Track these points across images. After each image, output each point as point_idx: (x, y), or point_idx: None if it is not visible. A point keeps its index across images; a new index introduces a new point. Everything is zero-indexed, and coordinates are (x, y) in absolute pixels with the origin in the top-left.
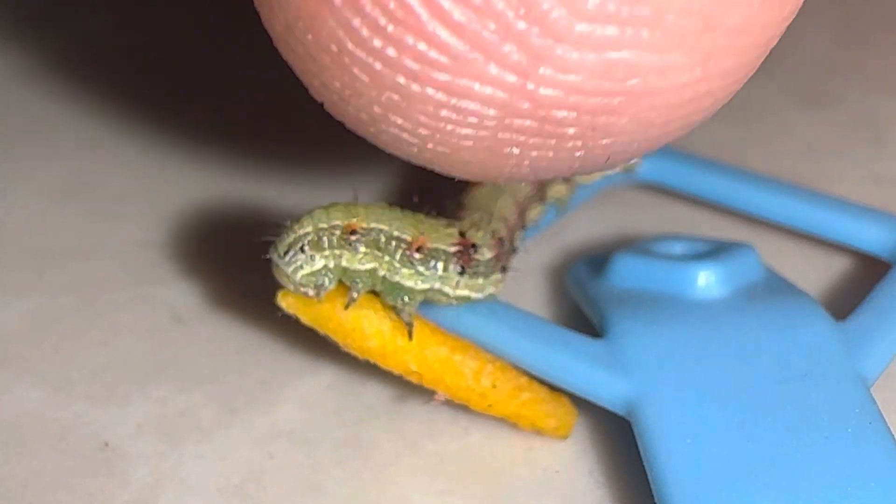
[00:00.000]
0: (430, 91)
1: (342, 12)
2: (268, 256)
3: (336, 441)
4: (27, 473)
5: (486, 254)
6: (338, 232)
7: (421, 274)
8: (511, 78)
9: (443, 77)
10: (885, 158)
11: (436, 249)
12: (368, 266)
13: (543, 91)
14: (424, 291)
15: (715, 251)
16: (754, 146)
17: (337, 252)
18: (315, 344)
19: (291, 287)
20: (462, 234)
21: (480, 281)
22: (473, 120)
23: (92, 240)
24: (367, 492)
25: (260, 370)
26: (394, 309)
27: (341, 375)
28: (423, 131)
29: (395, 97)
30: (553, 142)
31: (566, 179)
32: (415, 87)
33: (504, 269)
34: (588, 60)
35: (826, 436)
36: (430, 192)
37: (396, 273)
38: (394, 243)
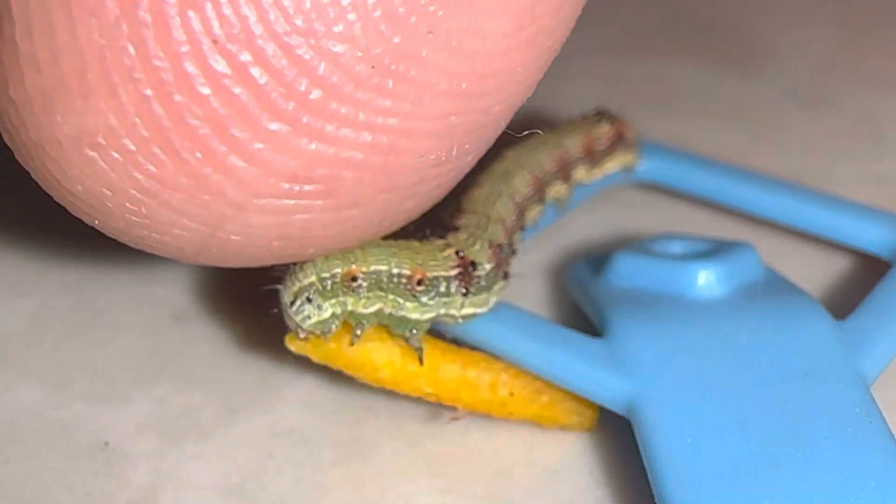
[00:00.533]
0: (135, 230)
1: (59, 167)
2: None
3: (336, 440)
4: (26, 473)
5: (486, 266)
6: (339, 279)
7: (425, 304)
8: (203, 228)
9: (144, 221)
10: (885, 158)
11: (436, 277)
12: (373, 308)
13: (233, 237)
14: (431, 320)
15: (715, 250)
16: (754, 145)
17: (342, 299)
18: None
19: (300, 333)
20: (458, 254)
21: (484, 296)
22: (173, 250)
23: (91, 239)
24: (367, 491)
25: (260, 369)
26: (402, 337)
27: (341, 375)
28: (134, 244)
29: (107, 226)
30: (248, 259)
31: (565, 179)
32: (120, 224)
33: (506, 276)
34: (270, 221)
35: (826, 435)
36: None
37: (402, 308)
38: (395, 280)
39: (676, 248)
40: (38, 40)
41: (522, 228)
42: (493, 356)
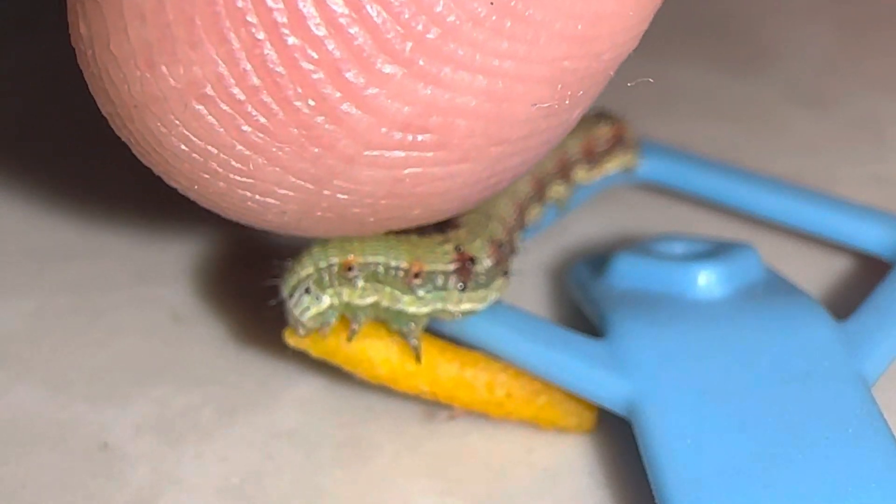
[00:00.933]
0: (236, 189)
1: (154, 122)
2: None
3: (336, 441)
4: (26, 474)
5: (485, 263)
6: (336, 269)
7: (422, 298)
8: (308, 185)
9: (246, 180)
10: (885, 158)
11: (434, 271)
12: (370, 300)
13: (339, 196)
14: (428, 314)
15: (715, 251)
16: (754, 146)
17: (339, 289)
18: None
19: (300, 329)
20: (458, 249)
21: (482, 292)
22: (276, 210)
23: (91, 239)
24: (366, 492)
25: (259, 370)
26: (399, 333)
27: (340, 376)
28: (231, 213)
29: (206, 189)
30: (352, 225)
31: (565, 180)
32: (221, 184)
33: (506, 273)
34: (378, 176)
35: (826, 436)
36: None
37: (398, 301)
38: (392, 273)
39: (677, 248)
40: None
41: (523, 228)
42: (493, 356)
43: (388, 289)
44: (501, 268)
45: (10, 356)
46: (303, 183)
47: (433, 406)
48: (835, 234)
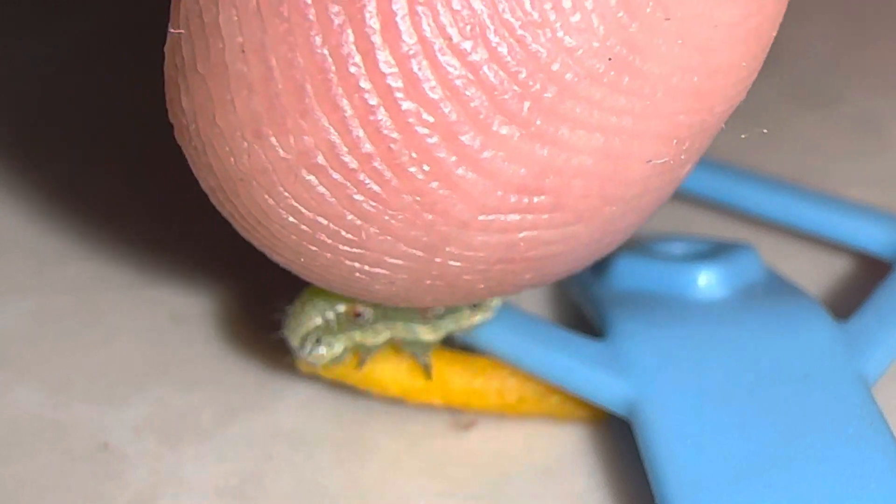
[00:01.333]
0: (343, 260)
1: (260, 194)
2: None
3: (336, 442)
4: (25, 474)
5: None
6: (343, 315)
7: (437, 325)
8: (419, 254)
9: (355, 251)
10: (887, 158)
11: None
12: (383, 338)
13: (451, 263)
14: (443, 337)
15: (715, 251)
16: (754, 145)
17: (350, 333)
18: None
19: (317, 368)
20: None
21: (492, 301)
22: (385, 281)
23: (91, 240)
24: (367, 493)
25: (259, 371)
26: (410, 353)
27: (345, 384)
28: (337, 284)
29: (311, 262)
30: (461, 293)
31: None
32: (328, 256)
33: None
34: (492, 241)
35: (827, 437)
36: None
37: (413, 332)
38: (402, 307)
39: (677, 249)
40: (252, 57)
41: None
42: (500, 361)
43: (400, 323)
44: None
45: (9, 356)
46: (414, 251)
47: (454, 415)
48: (835, 234)
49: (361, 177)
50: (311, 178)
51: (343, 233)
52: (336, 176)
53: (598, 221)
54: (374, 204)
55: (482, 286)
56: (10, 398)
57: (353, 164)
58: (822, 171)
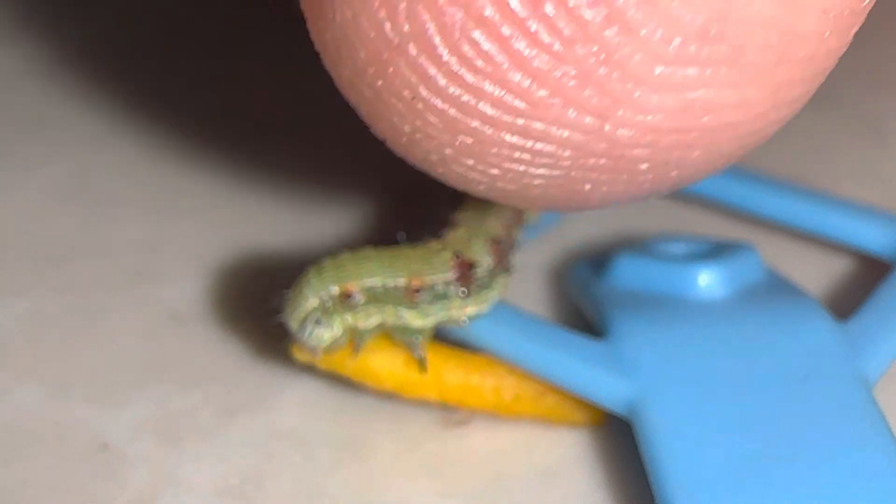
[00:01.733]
0: (505, 136)
1: (418, 61)
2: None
3: (336, 442)
4: (25, 475)
5: (486, 264)
6: (336, 297)
7: (426, 312)
8: (589, 120)
9: (520, 122)
10: (887, 158)
11: (434, 283)
12: (374, 321)
13: (621, 132)
14: (434, 325)
15: (716, 251)
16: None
17: (343, 315)
18: None
19: (315, 354)
20: (456, 256)
21: (486, 293)
22: (547, 161)
23: (91, 240)
24: (366, 493)
25: (259, 371)
26: (404, 344)
27: (341, 376)
28: (495, 171)
29: (469, 141)
30: (625, 177)
31: None
32: (489, 132)
33: (507, 270)
34: (667, 101)
35: (827, 437)
36: (427, 186)
37: (402, 318)
38: (392, 291)
39: (677, 248)
40: None
41: (522, 223)
42: (497, 360)
43: (390, 307)
44: (503, 265)
45: (8, 357)
46: (584, 119)
47: (447, 412)
48: (835, 234)
49: (533, 27)
50: (478, 33)
51: (509, 99)
52: (505, 29)
53: (770, 85)
54: (545, 59)
55: (646, 166)
56: (10, 399)
57: (524, 13)
58: (821, 171)
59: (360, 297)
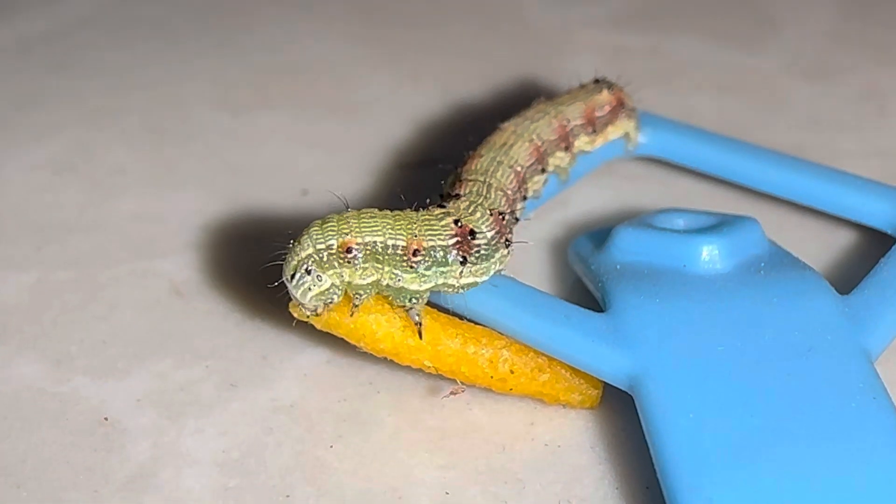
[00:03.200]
0: None
1: None
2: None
3: (337, 416)
4: (26, 448)
5: (486, 234)
6: (335, 250)
7: (423, 275)
8: None
9: None
10: (889, 132)
11: (433, 247)
12: (371, 279)
13: None
14: (430, 290)
15: (718, 225)
16: (757, 119)
17: (339, 270)
18: None
19: (306, 311)
20: (457, 223)
21: (485, 264)
22: None
23: (91, 213)
24: (367, 466)
25: (260, 344)
26: (403, 308)
27: (341, 350)
28: None
29: None
30: None
31: (566, 148)
32: None
33: (508, 244)
34: None
35: (829, 411)
36: (431, 164)
37: (399, 279)
38: (390, 251)
39: (679, 222)
40: None
41: (525, 198)
42: (496, 332)
43: (387, 268)
44: (503, 238)
45: (9, 330)
46: None
47: (437, 381)
48: (838, 208)
49: None
50: None
51: None
52: None
53: None
54: None
55: None
56: (11, 372)
57: None
58: (825, 145)
59: (359, 253)
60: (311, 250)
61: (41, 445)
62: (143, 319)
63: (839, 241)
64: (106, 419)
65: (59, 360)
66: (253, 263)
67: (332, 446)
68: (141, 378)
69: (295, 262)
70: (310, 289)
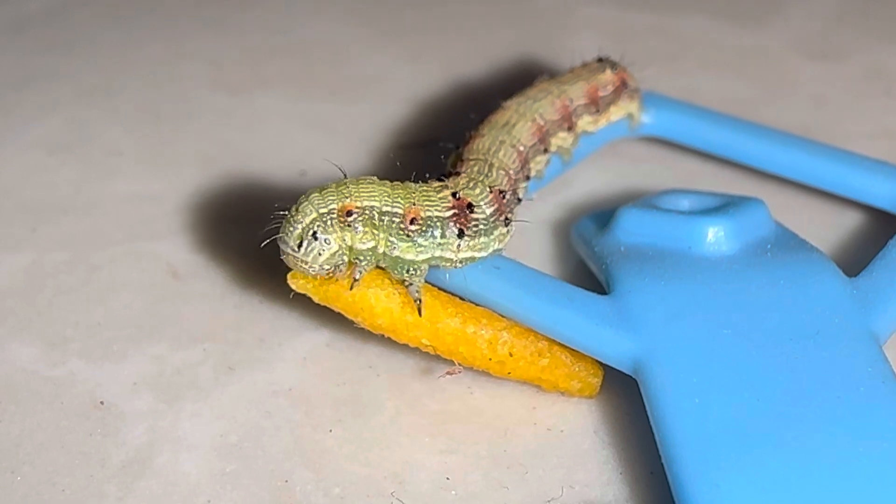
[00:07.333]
0: None
1: None
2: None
3: (336, 399)
4: (21, 432)
5: (485, 210)
6: (336, 215)
7: (419, 245)
8: None
9: None
10: (895, 112)
11: (430, 217)
12: (369, 245)
13: None
14: (426, 261)
15: (724, 206)
16: (763, 99)
17: (342, 234)
18: (314, 301)
19: (312, 273)
20: (455, 195)
21: (483, 239)
22: None
23: (87, 194)
24: (367, 451)
25: (258, 327)
26: (402, 283)
27: (341, 333)
28: None
29: None
30: None
31: (569, 128)
32: None
33: (508, 223)
34: None
35: (837, 394)
36: (432, 144)
37: (395, 248)
38: (387, 218)
39: (684, 203)
40: None
41: (527, 178)
42: (497, 314)
43: (383, 235)
44: (503, 216)
45: (3, 313)
46: None
47: (437, 363)
48: (845, 189)
49: None
50: None
51: None
52: None
53: None
54: None
55: None
56: (5, 355)
57: None
58: (831, 126)
59: (358, 218)
60: (314, 215)
61: (36, 430)
62: (139, 301)
63: (846, 223)
64: (101, 403)
65: (54, 343)
66: (250, 245)
67: (331, 430)
68: (137, 361)
69: (299, 231)
70: (320, 253)
